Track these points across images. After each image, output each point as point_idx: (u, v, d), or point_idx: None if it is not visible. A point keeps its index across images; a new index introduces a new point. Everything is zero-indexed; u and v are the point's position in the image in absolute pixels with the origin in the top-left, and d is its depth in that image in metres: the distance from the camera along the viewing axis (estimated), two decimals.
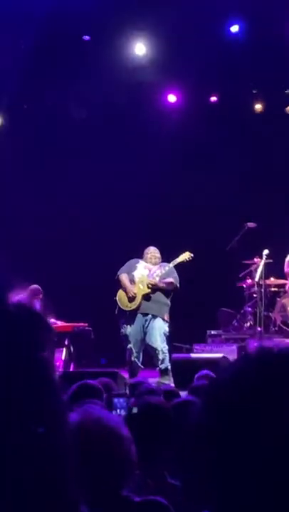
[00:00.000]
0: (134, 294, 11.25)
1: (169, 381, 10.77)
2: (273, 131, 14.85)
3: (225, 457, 1.12)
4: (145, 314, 11.25)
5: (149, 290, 11.23)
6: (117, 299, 11.42)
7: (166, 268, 11.44)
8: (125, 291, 11.36)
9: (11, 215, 14.72)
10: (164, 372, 11.12)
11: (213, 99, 15.12)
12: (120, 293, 11.42)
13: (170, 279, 11.31)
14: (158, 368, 11.22)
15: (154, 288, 11.24)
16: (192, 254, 11.45)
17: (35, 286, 13.07)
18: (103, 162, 14.98)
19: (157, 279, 11.29)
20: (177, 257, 11.52)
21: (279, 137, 14.87)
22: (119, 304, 11.38)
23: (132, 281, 11.39)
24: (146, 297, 11.25)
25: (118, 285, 11.43)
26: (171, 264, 11.36)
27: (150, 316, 11.24)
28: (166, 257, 11.69)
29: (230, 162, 14.58)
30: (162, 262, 11.57)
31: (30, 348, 1.25)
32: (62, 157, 14.88)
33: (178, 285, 11.33)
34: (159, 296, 11.30)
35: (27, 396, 1.19)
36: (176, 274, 11.40)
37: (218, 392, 1.18)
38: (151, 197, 15.10)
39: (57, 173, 14.89)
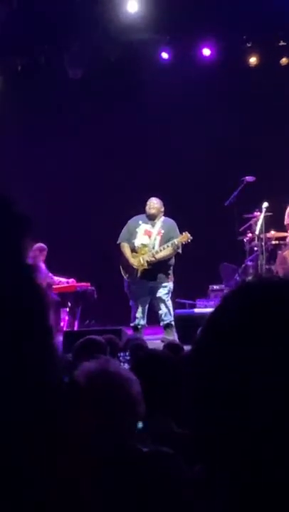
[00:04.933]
0: (136, 267, 11.28)
1: (173, 336, 10.86)
2: (269, 83, 14.77)
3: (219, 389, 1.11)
4: (149, 281, 11.30)
5: (150, 266, 11.24)
6: (121, 267, 11.45)
7: (165, 231, 11.42)
8: (124, 261, 11.38)
9: (11, 174, 14.69)
10: (167, 327, 11.22)
11: (206, 52, 14.97)
12: (122, 260, 11.46)
13: (168, 252, 11.29)
14: (162, 324, 11.32)
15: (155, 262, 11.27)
16: (191, 237, 11.37)
17: (39, 244, 13.14)
18: (100, 120, 14.92)
19: (157, 249, 11.28)
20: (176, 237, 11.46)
21: (275, 89, 14.79)
22: (122, 272, 11.42)
23: (134, 250, 11.38)
24: (148, 270, 11.28)
25: (120, 252, 11.45)
26: (169, 244, 11.27)
27: (155, 282, 11.29)
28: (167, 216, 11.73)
29: (227, 116, 14.51)
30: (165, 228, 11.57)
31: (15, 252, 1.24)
32: (59, 116, 14.82)
33: (179, 250, 11.36)
34: (161, 264, 11.32)
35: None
36: (176, 233, 11.38)
37: (218, 318, 1.17)
38: (149, 153, 15.08)
39: (53, 131, 14.82)
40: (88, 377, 2.81)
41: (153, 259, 11.19)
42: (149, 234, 11.39)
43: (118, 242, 11.47)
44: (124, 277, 11.40)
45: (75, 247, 14.41)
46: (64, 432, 1.21)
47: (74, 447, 1.23)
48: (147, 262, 11.20)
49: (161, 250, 11.24)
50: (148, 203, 11.52)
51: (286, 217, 13.47)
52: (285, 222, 13.41)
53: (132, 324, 11.32)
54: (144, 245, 11.33)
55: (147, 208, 11.48)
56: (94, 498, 1.25)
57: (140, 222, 11.47)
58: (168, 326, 11.24)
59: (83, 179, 15.08)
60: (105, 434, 2.73)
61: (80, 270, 13.37)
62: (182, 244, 11.33)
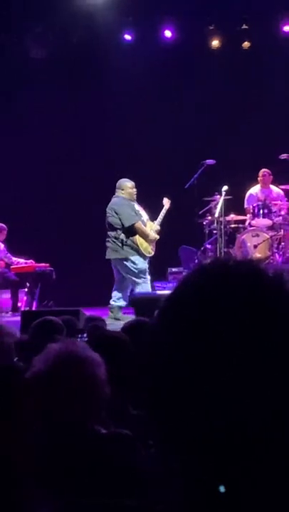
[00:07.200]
0: (153, 241, 11.85)
1: None
2: (231, 66, 14.79)
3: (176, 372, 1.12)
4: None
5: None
6: (139, 244, 11.55)
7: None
8: (144, 237, 11.66)
9: None
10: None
11: (168, 33, 14.93)
12: (140, 240, 11.66)
13: None
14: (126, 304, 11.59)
15: None
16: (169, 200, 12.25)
17: None
18: (62, 101, 14.81)
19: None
20: (162, 207, 12.21)
21: (237, 72, 14.82)
22: (140, 249, 11.52)
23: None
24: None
25: (131, 232, 11.51)
26: (162, 216, 12.08)
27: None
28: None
29: (188, 99, 14.51)
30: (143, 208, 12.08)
31: None
32: (20, 96, 14.69)
33: None
34: None
35: None
36: None
37: (172, 304, 1.17)
38: (110, 135, 15.02)
39: (15, 111, 14.70)
40: (55, 358, 2.80)
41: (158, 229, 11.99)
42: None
43: (133, 223, 11.52)
44: (144, 253, 11.66)
45: (34, 229, 14.32)
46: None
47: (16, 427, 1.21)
48: (158, 232, 11.96)
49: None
50: (131, 185, 11.75)
51: (246, 201, 13.57)
52: (245, 206, 13.50)
53: (117, 304, 11.56)
54: (150, 222, 11.97)
55: (131, 189, 11.74)
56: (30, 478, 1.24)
57: (131, 202, 11.71)
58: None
59: (43, 160, 14.96)
60: (65, 414, 2.73)
61: (39, 251, 13.30)
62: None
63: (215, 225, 13.11)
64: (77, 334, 5.05)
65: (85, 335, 5.13)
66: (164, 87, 14.80)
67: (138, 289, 11.48)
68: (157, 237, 11.84)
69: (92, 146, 15.07)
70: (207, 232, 13.48)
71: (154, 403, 1.15)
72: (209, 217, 13.37)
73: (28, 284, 12.99)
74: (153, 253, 11.83)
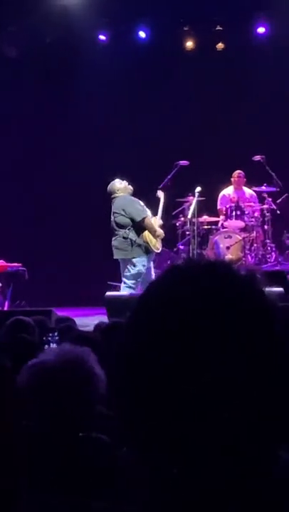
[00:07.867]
0: (161, 237, 11.68)
1: None
2: (205, 67, 14.81)
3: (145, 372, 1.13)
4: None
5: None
6: (148, 241, 11.46)
7: None
8: (152, 233, 11.53)
9: None
10: None
11: (142, 34, 14.95)
12: (149, 236, 11.52)
13: None
14: None
15: None
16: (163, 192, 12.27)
17: None
18: (34, 102, 14.78)
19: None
20: (159, 201, 12.14)
21: (210, 74, 14.84)
22: (150, 246, 11.42)
23: None
24: None
25: (141, 227, 11.42)
26: (161, 209, 11.99)
27: None
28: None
29: (161, 100, 14.52)
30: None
31: None
32: None
33: None
34: None
35: None
36: None
37: (145, 304, 1.18)
38: (82, 136, 14.99)
39: None
40: (66, 353, 2.82)
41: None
42: None
43: (143, 217, 11.42)
44: (152, 249, 11.51)
45: (6, 228, 14.27)
46: None
47: None
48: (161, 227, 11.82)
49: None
50: (119, 182, 11.73)
51: (218, 201, 13.61)
52: (218, 207, 13.53)
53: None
54: (153, 217, 11.81)
55: (121, 184, 11.66)
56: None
57: (135, 198, 11.71)
58: None
59: (14, 159, 14.88)
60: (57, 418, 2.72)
61: (11, 251, 13.25)
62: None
63: (188, 226, 13.14)
64: (49, 333, 5.04)
65: (56, 333, 5.11)
66: (138, 87, 14.80)
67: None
68: (163, 232, 11.71)
69: (64, 146, 15.01)
70: (180, 233, 13.52)
71: (134, 402, 1.15)
72: (182, 219, 13.40)
73: (0, 284, 12.93)
74: (160, 249, 11.73)
